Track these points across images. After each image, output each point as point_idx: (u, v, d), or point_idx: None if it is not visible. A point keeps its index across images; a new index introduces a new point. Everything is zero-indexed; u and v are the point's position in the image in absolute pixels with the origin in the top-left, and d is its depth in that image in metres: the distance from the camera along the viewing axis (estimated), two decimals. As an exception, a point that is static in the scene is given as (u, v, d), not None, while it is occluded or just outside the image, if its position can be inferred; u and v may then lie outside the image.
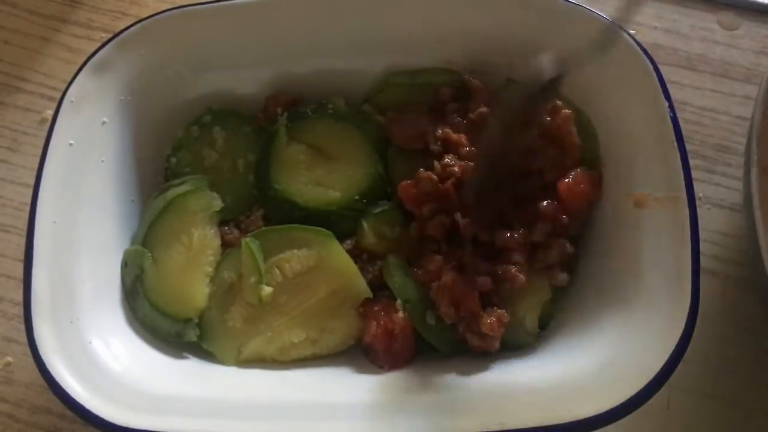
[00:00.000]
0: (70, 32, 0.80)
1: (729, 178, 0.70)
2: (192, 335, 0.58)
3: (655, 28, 0.78)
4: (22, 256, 0.53)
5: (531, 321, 0.57)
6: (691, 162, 0.53)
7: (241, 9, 0.61)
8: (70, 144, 0.57)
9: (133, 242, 0.61)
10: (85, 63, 0.60)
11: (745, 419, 0.60)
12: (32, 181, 0.55)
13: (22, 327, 0.51)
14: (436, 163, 0.59)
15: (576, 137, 0.59)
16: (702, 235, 0.51)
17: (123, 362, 0.53)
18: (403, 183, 0.60)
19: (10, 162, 0.73)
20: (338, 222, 0.61)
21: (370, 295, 0.59)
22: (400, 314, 0.57)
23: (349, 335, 0.59)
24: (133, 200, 0.62)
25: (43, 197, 0.55)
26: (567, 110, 0.59)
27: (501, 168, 0.56)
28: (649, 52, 0.57)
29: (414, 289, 0.58)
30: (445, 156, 0.59)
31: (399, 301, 0.57)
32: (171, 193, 0.60)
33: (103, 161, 0.59)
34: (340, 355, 0.59)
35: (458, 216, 0.58)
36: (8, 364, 0.64)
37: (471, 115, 0.61)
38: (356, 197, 0.61)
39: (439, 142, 0.60)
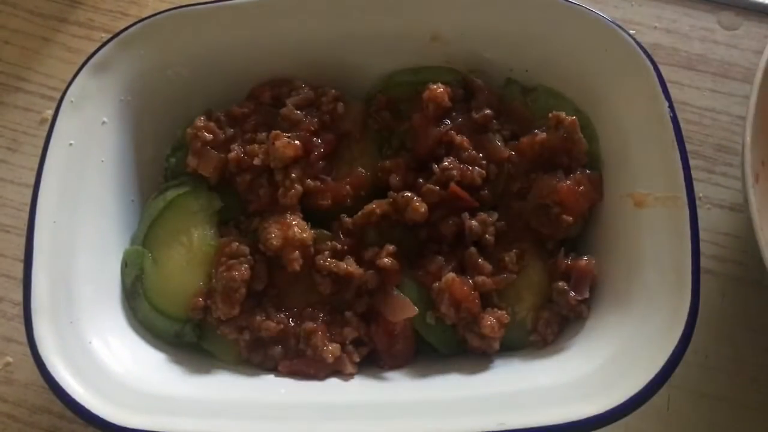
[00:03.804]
0: (70, 32, 0.80)
1: (729, 178, 0.70)
2: (192, 335, 0.58)
3: (655, 28, 0.78)
4: (21, 256, 0.53)
5: (531, 322, 0.57)
6: (691, 162, 0.53)
7: (241, 9, 0.61)
8: (70, 144, 0.57)
9: (133, 242, 0.61)
10: (85, 63, 0.60)
11: (744, 419, 0.60)
12: (32, 181, 0.55)
13: (22, 327, 0.51)
14: (435, 167, 0.59)
15: (584, 143, 0.59)
16: (702, 235, 0.51)
17: (123, 362, 0.53)
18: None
19: (9, 162, 0.73)
20: (339, 222, 0.61)
21: (370, 295, 0.59)
22: (401, 314, 0.57)
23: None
24: (132, 200, 0.62)
25: (43, 197, 0.55)
26: (570, 117, 0.59)
27: None
28: (650, 52, 0.57)
29: (414, 289, 0.58)
30: (445, 159, 0.59)
31: (399, 301, 0.57)
32: (171, 194, 0.60)
33: (102, 161, 0.59)
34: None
35: (465, 216, 0.58)
36: (8, 364, 0.64)
37: (474, 115, 0.61)
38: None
39: (442, 144, 0.60)
